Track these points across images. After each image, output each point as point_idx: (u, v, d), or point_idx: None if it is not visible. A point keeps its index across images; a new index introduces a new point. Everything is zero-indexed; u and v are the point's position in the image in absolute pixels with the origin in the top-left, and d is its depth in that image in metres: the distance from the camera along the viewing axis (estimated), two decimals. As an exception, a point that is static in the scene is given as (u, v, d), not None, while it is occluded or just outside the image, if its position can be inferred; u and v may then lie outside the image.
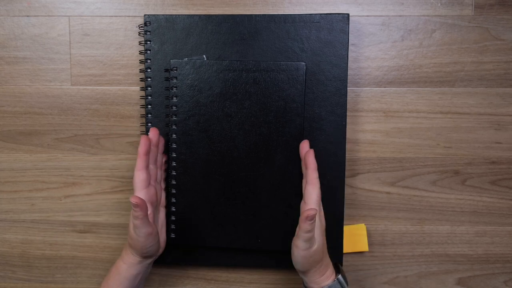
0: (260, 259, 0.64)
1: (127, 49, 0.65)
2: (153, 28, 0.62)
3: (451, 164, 0.65)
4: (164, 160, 0.62)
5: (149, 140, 0.58)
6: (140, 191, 0.56)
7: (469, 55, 0.63)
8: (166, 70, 0.62)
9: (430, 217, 0.65)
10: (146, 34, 0.62)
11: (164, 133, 0.62)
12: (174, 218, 0.62)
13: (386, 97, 0.64)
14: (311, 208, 0.53)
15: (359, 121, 0.64)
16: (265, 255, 0.64)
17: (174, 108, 0.61)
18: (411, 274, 0.66)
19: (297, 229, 0.55)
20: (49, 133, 0.66)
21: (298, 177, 0.60)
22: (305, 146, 0.59)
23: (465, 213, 0.65)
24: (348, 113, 0.63)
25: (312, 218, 0.52)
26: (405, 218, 0.65)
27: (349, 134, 0.64)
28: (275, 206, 0.61)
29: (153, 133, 0.59)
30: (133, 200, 0.52)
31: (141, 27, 0.63)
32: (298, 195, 0.60)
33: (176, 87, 0.61)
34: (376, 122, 0.64)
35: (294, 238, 0.55)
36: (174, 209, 0.62)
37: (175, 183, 0.62)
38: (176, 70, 0.60)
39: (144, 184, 0.57)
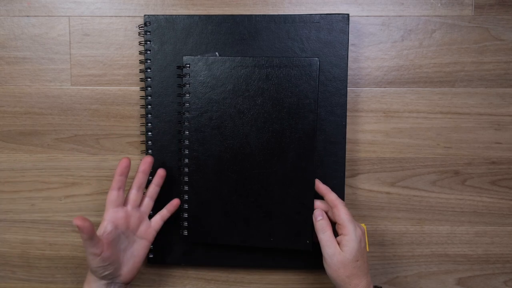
0: (259, 259, 0.64)
1: (127, 49, 0.65)
2: (153, 28, 0.62)
3: (451, 164, 0.65)
4: (156, 192, 0.61)
5: (128, 163, 0.58)
6: (107, 210, 0.57)
7: (469, 55, 0.63)
8: (179, 67, 0.62)
9: (430, 217, 0.65)
10: (146, 34, 0.63)
11: (176, 130, 0.62)
12: (186, 216, 0.62)
13: (386, 97, 0.64)
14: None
15: (359, 121, 0.64)
16: (265, 255, 0.64)
17: (186, 105, 0.61)
18: (411, 274, 0.66)
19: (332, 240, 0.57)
20: (49, 133, 0.66)
21: (311, 174, 0.60)
22: (316, 183, 0.60)
23: (465, 213, 0.65)
24: (348, 113, 0.63)
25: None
26: (405, 218, 0.65)
27: (349, 134, 0.64)
28: (288, 204, 0.61)
29: (145, 160, 0.60)
30: (74, 221, 0.52)
31: (141, 27, 0.63)
32: (311, 193, 0.60)
33: (188, 84, 0.60)
34: (376, 122, 0.64)
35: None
36: (186, 206, 0.62)
37: (187, 180, 0.62)
38: (189, 67, 0.60)
39: (113, 204, 0.57)
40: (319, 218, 0.58)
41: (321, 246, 0.57)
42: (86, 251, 0.55)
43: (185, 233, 0.62)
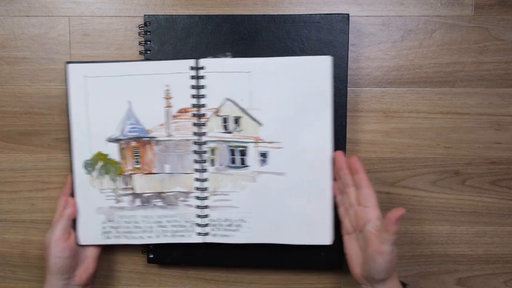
0: (259, 259, 0.64)
1: (127, 49, 0.65)
2: (153, 28, 0.62)
3: (451, 164, 0.65)
4: None
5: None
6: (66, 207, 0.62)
7: (469, 55, 0.63)
8: (192, 68, 0.61)
9: (430, 217, 0.65)
10: (146, 34, 0.63)
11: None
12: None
13: (386, 97, 0.64)
14: (398, 208, 0.51)
15: (359, 121, 0.64)
16: (265, 255, 0.64)
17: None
18: (411, 274, 0.66)
19: (376, 237, 0.53)
20: (49, 133, 0.66)
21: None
22: (341, 156, 0.59)
23: (465, 213, 0.65)
24: (348, 113, 0.63)
25: (401, 218, 0.51)
26: (405, 218, 0.65)
27: (349, 134, 0.64)
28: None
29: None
30: (66, 199, 0.61)
31: (141, 27, 0.63)
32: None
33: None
34: (376, 122, 0.64)
35: (372, 247, 0.53)
36: None
37: None
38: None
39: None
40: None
41: (383, 243, 0.53)
42: (52, 238, 0.58)
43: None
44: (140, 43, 0.63)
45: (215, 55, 0.61)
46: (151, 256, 0.65)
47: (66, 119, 0.62)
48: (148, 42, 0.62)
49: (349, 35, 0.62)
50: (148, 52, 0.63)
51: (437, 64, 0.64)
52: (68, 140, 0.61)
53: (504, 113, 0.64)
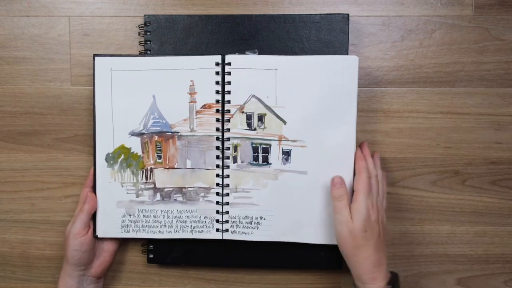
0: (260, 259, 0.64)
1: (127, 49, 0.65)
2: (153, 28, 0.62)
3: (451, 164, 0.65)
4: None
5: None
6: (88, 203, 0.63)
7: (469, 55, 0.63)
8: (217, 64, 0.61)
9: (430, 217, 0.65)
10: (146, 34, 0.63)
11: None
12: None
13: (386, 97, 0.64)
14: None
15: (359, 121, 0.64)
16: (265, 255, 0.64)
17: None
18: (411, 274, 0.66)
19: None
20: (49, 133, 0.66)
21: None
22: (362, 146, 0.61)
23: (465, 213, 0.65)
24: (348, 113, 0.63)
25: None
26: (405, 218, 0.65)
27: (349, 134, 0.64)
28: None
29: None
30: (88, 192, 0.62)
31: (141, 27, 0.63)
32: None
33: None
34: (376, 122, 0.64)
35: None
36: None
37: None
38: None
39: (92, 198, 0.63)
40: (338, 185, 0.57)
41: (334, 213, 0.56)
42: (71, 231, 0.60)
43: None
44: (140, 43, 0.63)
45: (242, 51, 0.61)
46: (151, 256, 0.65)
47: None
48: (148, 42, 0.62)
49: (349, 35, 0.62)
50: (148, 52, 0.63)
51: (437, 64, 0.64)
52: (92, 133, 0.62)
53: (504, 113, 0.64)
